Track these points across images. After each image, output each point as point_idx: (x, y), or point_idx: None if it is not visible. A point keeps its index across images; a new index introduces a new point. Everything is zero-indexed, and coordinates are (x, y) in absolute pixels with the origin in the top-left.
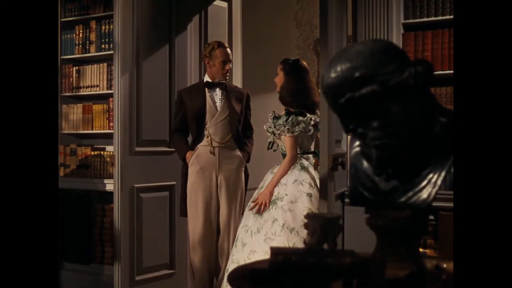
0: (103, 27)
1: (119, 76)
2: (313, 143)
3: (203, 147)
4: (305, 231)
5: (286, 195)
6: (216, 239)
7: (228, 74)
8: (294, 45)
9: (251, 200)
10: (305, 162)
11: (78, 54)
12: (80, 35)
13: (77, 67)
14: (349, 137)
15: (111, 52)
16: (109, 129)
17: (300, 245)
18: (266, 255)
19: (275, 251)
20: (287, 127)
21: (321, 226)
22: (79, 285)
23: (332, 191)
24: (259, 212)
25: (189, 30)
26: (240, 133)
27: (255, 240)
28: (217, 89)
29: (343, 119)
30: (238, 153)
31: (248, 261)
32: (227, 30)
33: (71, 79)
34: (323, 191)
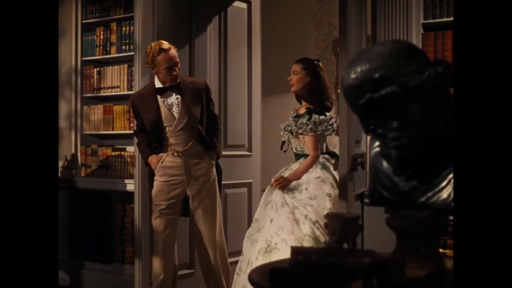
0: (124, 29)
1: (140, 77)
2: (325, 143)
3: (168, 156)
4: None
5: (306, 189)
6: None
7: (177, 76)
8: (313, 45)
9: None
10: (327, 162)
11: (99, 55)
12: (101, 37)
13: (98, 68)
14: (368, 137)
15: (132, 53)
16: (129, 129)
17: (324, 238)
18: (292, 236)
19: (295, 250)
20: (310, 126)
21: (340, 226)
22: (100, 284)
23: (352, 192)
24: (273, 184)
25: (209, 31)
26: (204, 135)
27: (281, 215)
28: (171, 93)
29: (363, 119)
30: (206, 156)
31: (276, 238)
32: (247, 31)
33: (92, 80)
34: (343, 191)
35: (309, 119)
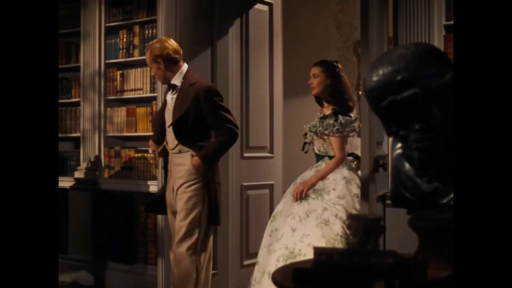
0: (147, 32)
1: None
2: (347, 145)
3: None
4: None
5: (334, 190)
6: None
7: (158, 78)
8: (333, 46)
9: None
10: (353, 164)
11: (122, 58)
12: (124, 40)
13: (121, 71)
14: (390, 139)
15: None
16: (152, 131)
17: None
18: (322, 239)
19: (318, 251)
20: (337, 127)
21: (363, 227)
22: (123, 284)
23: (373, 193)
24: (296, 199)
25: (231, 33)
26: (188, 138)
27: (306, 224)
28: (172, 92)
29: (385, 121)
30: (188, 161)
31: (300, 244)
32: (268, 33)
33: (115, 82)
34: (364, 192)
35: (336, 120)
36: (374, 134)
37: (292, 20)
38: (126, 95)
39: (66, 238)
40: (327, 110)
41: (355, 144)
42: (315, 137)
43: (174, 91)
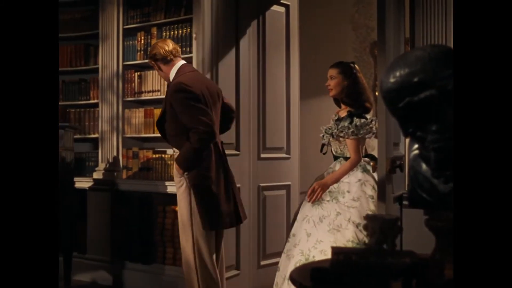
0: (164, 34)
1: None
2: (364, 147)
3: None
4: None
5: (348, 192)
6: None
7: (164, 79)
8: (350, 48)
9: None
10: (367, 165)
11: (139, 60)
12: (142, 42)
13: (138, 73)
14: (407, 140)
15: None
16: None
17: (367, 240)
18: (334, 245)
19: (336, 250)
20: (352, 129)
21: (380, 227)
22: (141, 284)
23: (390, 194)
24: (311, 200)
25: (248, 35)
26: (171, 138)
27: (319, 230)
28: None
29: (402, 123)
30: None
31: (314, 251)
32: (285, 34)
33: (133, 84)
34: (381, 193)
35: (351, 123)
36: (391, 135)
37: (309, 21)
38: (144, 97)
39: (85, 238)
40: (343, 112)
41: (372, 145)
42: (331, 139)
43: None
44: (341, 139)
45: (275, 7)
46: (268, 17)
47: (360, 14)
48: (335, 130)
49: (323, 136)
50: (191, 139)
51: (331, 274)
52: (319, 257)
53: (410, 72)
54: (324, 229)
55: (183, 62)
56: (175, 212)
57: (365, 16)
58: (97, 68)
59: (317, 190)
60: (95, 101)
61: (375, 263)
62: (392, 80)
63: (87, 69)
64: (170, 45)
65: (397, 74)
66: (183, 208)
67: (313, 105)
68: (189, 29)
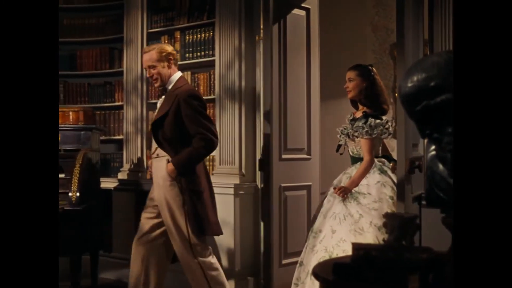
0: (187, 37)
1: (219, 81)
2: (380, 147)
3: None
4: None
5: (369, 194)
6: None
7: (154, 80)
8: (370, 49)
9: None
10: (384, 166)
11: None
12: None
13: None
14: (425, 141)
15: (196, 60)
16: None
17: None
18: None
19: (356, 246)
20: (366, 129)
21: (398, 225)
22: (165, 282)
23: (409, 193)
24: (339, 193)
25: (270, 38)
26: (165, 141)
27: (343, 227)
28: (162, 96)
29: (419, 125)
30: (164, 164)
31: (337, 249)
32: (305, 37)
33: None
34: (400, 193)
35: (365, 123)
36: (409, 136)
37: (329, 24)
38: None
39: (110, 237)
40: (359, 113)
41: (392, 146)
42: (347, 140)
43: (163, 95)
44: (356, 139)
45: (296, 11)
46: (289, 20)
47: (380, 16)
48: (350, 130)
49: (340, 136)
50: (197, 144)
51: (352, 269)
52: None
53: (427, 77)
54: (347, 228)
55: (180, 72)
56: None
57: (385, 18)
58: (122, 71)
59: (342, 189)
60: (120, 103)
61: (394, 258)
62: (409, 84)
63: (112, 72)
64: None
65: (415, 79)
66: (176, 212)
67: (333, 107)
68: (211, 33)
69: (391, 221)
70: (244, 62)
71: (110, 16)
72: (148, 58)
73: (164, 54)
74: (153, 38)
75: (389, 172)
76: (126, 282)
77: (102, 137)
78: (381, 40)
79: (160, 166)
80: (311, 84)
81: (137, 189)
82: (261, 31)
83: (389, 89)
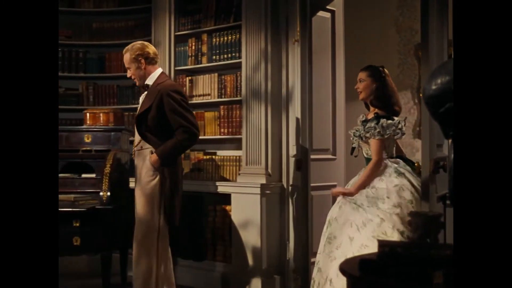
0: (214, 40)
1: (245, 83)
2: (394, 148)
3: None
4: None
5: (388, 198)
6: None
7: (134, 79)
8: (394, 50)
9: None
10: (401, 168)
11: (190, 65)
12: (193, 48)
13: (190, 77)
14: (449, 141)
15: (222, 62)
16: (220, 134)
17: None
18: None
19: (382, 243)
20: (378, 129)
21: (423, 223)
22: (193, 280)
23: (434, 193)
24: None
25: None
26: (149, 134)
27: (364, 235)
28: (144, 92)
29: (443, 126)
30: (147, 156)
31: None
32: (330, 38)
33: (185, 88)
34: (425, 193)
35: (377, 123)
36: (434, 137)
37: (354, 26)
38: (195, 100)
39: None
40: (371, 115)
41: (416, 146)
42: (360, 142)
43: (146, 91)
44: (369, 140)
45: (321, 13)
46: (315, 22)
47: (404, 17)
48: (362, 132)
49: (352, 139)
50: (180, 136)
51: (378, 265)
52: None
53: (451, 80)
54: (369, 234)
55: (161, 69)
56: (225, 211)
57: (409, 18)
58: None
59: (342, 192)
60: None
61: (418, 255)
62: (433, 87)
63: None
64: (155, 50)
65: (438, 81)
66: (151, 202)
67: (358, 108)
68: (238, 35)
69: (415, 220)
70: (270, 64)
71: (139, 19)
72: (124, 59)
73: (133, 56)
74: (180, 41)
75: (407, 174)
76: None
77: (132, 138)
78: (405, 41)
79: (144, 157)
80: (336, 85)
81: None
82: (297, 33)
83: (413, 90)
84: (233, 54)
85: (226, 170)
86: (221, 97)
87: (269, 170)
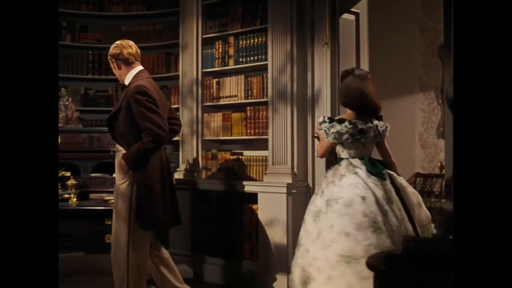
0: (241, 42)
1: (272, 85)
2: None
3: None
4: (362, 235)
5: (342, 197)
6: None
7: (118, 77)
8: (418, 51)
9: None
10: (358, 169)
11: (217, 67)
12: (220, 50)
13: (217, 79)
14: None
15: (249, 64)
16: (246, 135)
17: (357, 251)
18: (327, 262)
19: (407, 239)
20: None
21: (446, 220)
22: (221, 277)
23: None
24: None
25: (321, 42)
26: (119, 137)
27: (316, 246)
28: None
29: None
30: (119, 159)
31: (311, 267)
32: (355, 40)
33: (212, 90)
34: (448, 191)
35: (320, 124)
36: None
37: (378, 27)
38: (222, 102)
39: (167, 234)
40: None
41: (440, 146)
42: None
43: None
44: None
45: (345, 15)
46: (340, 25)
47: (428, 18)
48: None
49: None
50: (145, 139)
51: (403, 259)
52: (316, 274)
53: None
54: (319, 246)
55: (141, 67)
56: (252, 210)
57: (433, 19)
58: (178, 75)
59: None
60: (176, 106)
61: (442, 250)
62: None
63: (168, 76)
64: (133, 48)
65: None
66: (123, 204)
67: (382, 108)
68: (264, 38)
69: (439, 217)
70: (296, 66)
71: (167, 22)
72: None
73: (109, 57)
74: (207, 43)
75: (362, 174)
76: (183, 277)
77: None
78: (429, 42)
79: (117, 160)
80: None
81: (193, 188)
82: (327, 36)
83: (437, 90)
84: (259, 56)
85: (252, 170)
86: (247, 99)
87: (295, 170)
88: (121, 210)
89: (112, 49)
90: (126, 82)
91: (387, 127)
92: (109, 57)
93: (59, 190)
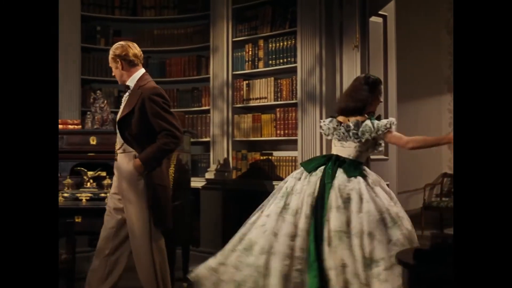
0: (270, 45)
1: (301, 87)
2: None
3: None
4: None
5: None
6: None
7: (116, 77)
8: (446, 52)
9: None
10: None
11: (248, 69)
12: (250, 53)
13: (247, 81)
14: None
15: (278, 67)
16: (276, 136)
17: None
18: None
19: (435, 235)
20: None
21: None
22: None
23: None
24: None
25: (349, 44)
26: (131, 138)
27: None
28: (126, 92)
29: None
30: (131, 160)
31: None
32: (382, 42)
33: (242, 92)
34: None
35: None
36: None
37: (405, 29)
38: (252, 103)
39: (198, 232)
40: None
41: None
42: None
43: (128, 92)
44: None
45: (373, 18)
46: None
47: None
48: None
49: None
50: (162, 141)
51: (431, 254)
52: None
53: None
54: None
55: (144, 69)
56: None
57: None
58: (209, 78)
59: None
60: (207, 107)
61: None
62: None
63: (199, 79)
64: (138, 50)
65: None
66: (141, 207)
67: (410, 108)
68: (293, 41)
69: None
70: (325, 68)
71: (198, 26)
72: (109, 59)
73: (112, 57)
74: (237, 46)
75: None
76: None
77: (191, 140)
78: None
79: (127, 161)
80: (388, 87)
81: (223, 188)
82: (357, 39)
83: None
84: (289, 59)
85: (282, 170)
86: (277, 100)
87: None
88: (141, 213)
89: (118, 49)
90: (130, 84)
91: (368, 125)
92: (114, 56)
93: (95, 189)
